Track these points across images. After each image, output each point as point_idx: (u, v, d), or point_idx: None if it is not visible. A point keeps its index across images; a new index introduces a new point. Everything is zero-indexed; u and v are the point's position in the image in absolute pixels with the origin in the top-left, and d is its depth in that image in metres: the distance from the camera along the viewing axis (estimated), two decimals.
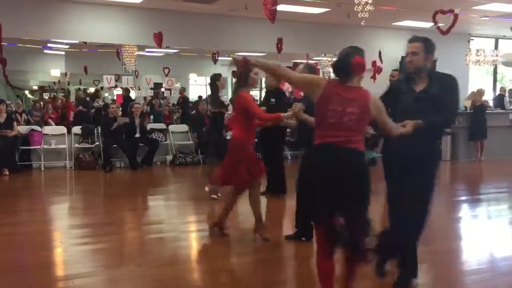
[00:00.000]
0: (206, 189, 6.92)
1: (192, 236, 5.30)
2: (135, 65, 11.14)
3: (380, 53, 12.02)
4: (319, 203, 2.92)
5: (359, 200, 2.96)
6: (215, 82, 6.98)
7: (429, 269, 4.24)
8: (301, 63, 14.78)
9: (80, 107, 12.36)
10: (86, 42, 10.74)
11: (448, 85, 3.56)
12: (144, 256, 4.49)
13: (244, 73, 4.63)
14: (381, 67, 12.11)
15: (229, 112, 7.89)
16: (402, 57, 12.42)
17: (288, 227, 5.18)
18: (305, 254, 4.48)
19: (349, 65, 2.98)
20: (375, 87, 12.24)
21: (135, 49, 10.82)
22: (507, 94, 13.26)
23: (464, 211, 6.87)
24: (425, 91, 3.46)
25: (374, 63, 12.11)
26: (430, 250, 4.68)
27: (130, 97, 11.97)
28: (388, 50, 12.23)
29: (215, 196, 6.67)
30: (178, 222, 5.91)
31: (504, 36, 13.79)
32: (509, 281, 3.95)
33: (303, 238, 4.67)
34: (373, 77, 12.02)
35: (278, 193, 6.75)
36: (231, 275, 4.16)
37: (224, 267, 4.28)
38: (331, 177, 2.88)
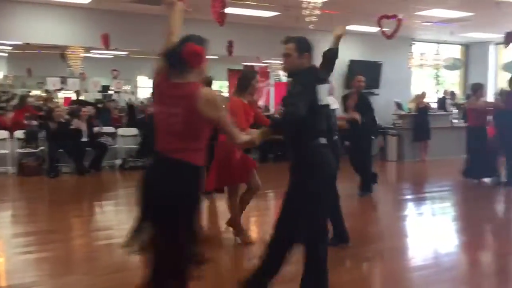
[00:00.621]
0: None
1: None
2: (81, 67, 10.83)
3: None
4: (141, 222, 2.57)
5: (173, 226, 2.47)
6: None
7: (376, 266, 4.35)
8: (253, 66, 14.92)
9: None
10: (29, 43, 10.34)
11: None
12: (91, 263, 4.37)
13: (245, 80, 4.63)
14: None
15: None
16: (351, 61, 12.80)
17: None
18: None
19: (179, 54, 2.47)
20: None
21: (81, 50, 10.51)
22: (448, 97, 13.84)
23: (410, 209, 7.10)
24: None
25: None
26: (378, 248, 4.82)
27: (80, 100, 11.56)
28: None
29: None
30: (128, 228, 5.76)
31: (445, 41, 14.40)
32: (453, 276, 4.11)
33: None
34: None
35: None
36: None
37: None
38: (147, 191, 2.53)
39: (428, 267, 4.30)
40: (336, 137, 4.80)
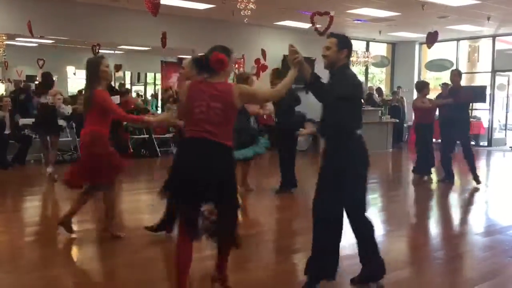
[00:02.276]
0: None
1: (68, 239, 5.01)
2: (4, 55, 10.23)
3: (263, 51, 12.39)
4: (185, 194, 3.05)
5: (225, 191, 3.11)
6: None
7: (304, 258, 4.47)
8: (185, 58, 14.74)
9: None
10: None
11: None
12: (15, 261, 4.17)
13: (92, 68, 4.47)
14: (265, 65, 12.49)
15: None
16: (284, 56, 12.97)
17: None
18: None
19: (207, 61, 3.14)
20: (259, 84, 12.71)
21: (4, 38, 9.92)
22: (375, 93, 14.42)
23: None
24: None
25: (257, 61, 12.46)
26: (303, 240, 4.95)
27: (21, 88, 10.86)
28: (271, 49, 12.64)
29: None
30: (54, 224, 5.55)
31: (374, 39, 14.99)
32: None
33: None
34: (257, 75, 12.36)
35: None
36: (106, 277, 4.02)
37: (101, 269, 4.13)
38: (194, 170, 3.05)
39: (352, 257, 4.46)
40: None
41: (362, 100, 3.64)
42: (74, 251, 4.61)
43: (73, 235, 4.75)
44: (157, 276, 3.87)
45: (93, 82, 4.45)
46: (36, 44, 13.03)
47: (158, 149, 10.94)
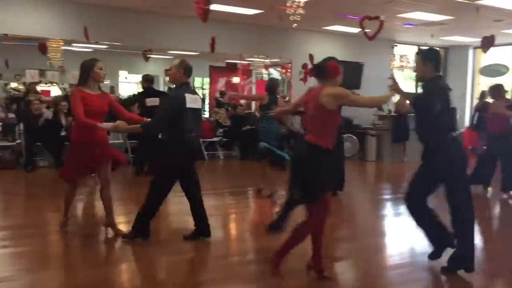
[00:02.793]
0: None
1: (116, 239, 5.14)
2: (61, 60, 10.65)
3: (311, 56, 12.33)
4: (325, 184, 3.70)
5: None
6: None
7: (354, 265, 4.40)
8: (235, 63, 14.87)
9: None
10: (7, 34, 10.13)
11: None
12: (67, 259, 4.32)
13: (84, 69, 4.59)
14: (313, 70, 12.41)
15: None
16: None
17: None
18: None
19: (323, 67, 3.69)
20: (305, 87, 12.70)
21: (61, 43, 10.34)
22: None
23: (388, 209, 7.19)
24: None
25: (305, 65, 12.41)
26: (354, 247, 4.87)
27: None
28: (319, 53, 12.55)
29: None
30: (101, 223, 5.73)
31: (426, 43, 14.59)
32: (428, 276, 4.18)
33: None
34: (304, 80, 12.31)
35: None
36: (150, 278, 4.09)
37: (144, 267, 4.21)
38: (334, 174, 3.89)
39: (404, 266, 4.36)
40: None
41: (451, 105, 3.98)
42: (121, 251, 4.71)
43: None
44: (203, 277, 3.91)
45: (81, 82, 4.58)
46: (91, 50, 13.51)
47: (205, 152, 11.08)
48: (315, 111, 3.60)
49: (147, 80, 8.89)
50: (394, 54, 13.51)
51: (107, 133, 4.88)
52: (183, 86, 4.55)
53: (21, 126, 9.27)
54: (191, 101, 4.47)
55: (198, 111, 4.65)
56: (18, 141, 9.21)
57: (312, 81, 12.65)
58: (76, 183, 4.87)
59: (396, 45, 14.04)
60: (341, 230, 5.51)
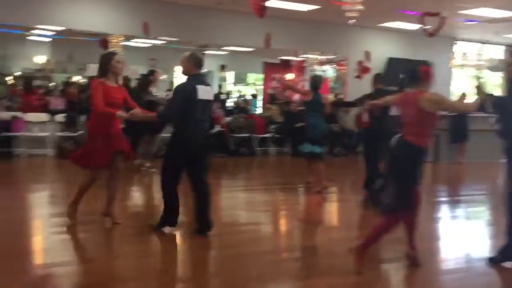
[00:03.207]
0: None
1: (171, 230, 5.28)
2: (121, 55, 11.01)
3: (367, 53, 12.10)
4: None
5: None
6: (148, 77, 8.06)
7: (408, 268, 4.30)
8: (289, 60, 14.82)
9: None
10: (71, 29, 10.59)
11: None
12: (125, 246, 4.47)
13: (103, 62, 4.72)
14: (368, 67, 12.19)
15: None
16: (389, 59, 12.58)
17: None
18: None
19: (416, 72, 3.83)
20: (360, 85, 12.48)
21: (121, 38, 10.70)
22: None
23: (444, 211, 6.97)
24: None
25: (360, 62, 12.20)
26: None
27: (129, 86, 11.52)
28: (375, 50, 12.32)
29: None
30: (160, 214, 5.90)
31: (489, 41, 13.97)
32: (484, 282, 4.02)
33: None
34: (359, 77, 12.10)
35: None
36: (199, 269, 4.16)
37: (198, 259, 4.29)
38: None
39: (459, 271, 4.22)
40: None
41: None
42: (172, 243, 4.82)
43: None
44: (251, 272, 3.94)
45: (101, 73, 4.71)
46: (150, 45, 13.88)
47: (257, 148, 11.15)
48: (414, 114, 3.79)
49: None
50: (454, 52, 13.02)
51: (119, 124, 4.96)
52: (194, 77, 4.63)
53: (83, 117, 9.68)
54: (203, 93, 4.56)
55: (209, 103, 4.73)
56: (80, 132, 9.62)
57: (368, 78, 12.43)
58: (97, 174, 4.89)
59: (456, 43, 13.53)
60: (395, 232, 5.37)
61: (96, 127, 4.71)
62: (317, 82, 7.24)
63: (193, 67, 4.67)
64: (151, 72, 8.40)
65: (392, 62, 12.54)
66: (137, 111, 4.74)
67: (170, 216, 4.76)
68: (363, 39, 12.42)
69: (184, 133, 4.55)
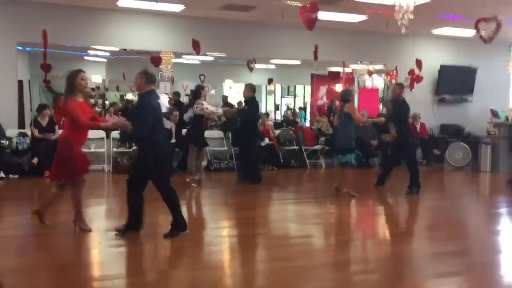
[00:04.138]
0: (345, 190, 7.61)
1: (224, 242, 5.32)
2: (171, 71, 11.32)
3: (418, 61, 11.83)
4: None
5: None
6: (199, 91, 8.36)
7: (467, 281, 4.13)
8: (338, 71, 14.73)
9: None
10: (125, 49, 11.01)
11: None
12: (179, 259, 4.55)
13: (69, 80, 5.01)
14: (420, 76, 11.91)
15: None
16: (442, 66, 12.24)
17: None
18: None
19: None
20: (411, 94, 12.20)
21: (172, 56, 11.00)
22: None
23: (504, 223, 6.65)
24: None
25: (411, 71, 11.93)
26: (467, 262, 4.57)
27: (180, 102, 11.79)
28: (427, 58, 12.02)
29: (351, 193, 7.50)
30: (213, 227, 5.97)
31: None
32: None
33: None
34: (411, 86, 11.83)
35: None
36: (261, 280, 4.15)
37: (252, 272, 4.29)
38: None
39: None
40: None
41: None
42: (224, 256, 4.87)
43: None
44: (307, 285, 3.90)
45: (69, 92, 5.04)
46: (199, 61, 14.19)
47: (307, 160, 11.09)
48: None
49: (252, 90, 9.02)
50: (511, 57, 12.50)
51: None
52: (151, 93, 5.01)
53: None
54: (160, 107, 5.05)
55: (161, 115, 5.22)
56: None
57: (419, 87, 12.12)
58: (66, 185, 5.25)
59: None
60: (452, 245, 5.18)
61: (73, 140, 5.05)
62: (347, 95, 7.81)
63: (145, 83, 5.01)
64: (201, 88, 8.59)
65: (445, 70, 12.21)
66: (122, 120, 5.30)
67: (135, 222, 5.08)
68: (413, 47, 12.15)
69: (155, 145, 4.90)
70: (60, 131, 9.52)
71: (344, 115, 7.49)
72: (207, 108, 8.27)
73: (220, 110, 8.68)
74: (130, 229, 5.06)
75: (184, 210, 7.11)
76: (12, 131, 9.22)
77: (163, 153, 5.09)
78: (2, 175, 8.60)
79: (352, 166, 7.53)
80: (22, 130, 9.38)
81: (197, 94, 8.49)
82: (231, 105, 12.06)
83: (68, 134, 5.11)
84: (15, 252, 4.63)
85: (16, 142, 9.04)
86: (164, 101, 5.09)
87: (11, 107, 9.50)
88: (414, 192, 7.82)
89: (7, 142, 8.99)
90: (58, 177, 5.22)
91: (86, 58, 14.19)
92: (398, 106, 8.16)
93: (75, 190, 5.25)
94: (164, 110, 5.08)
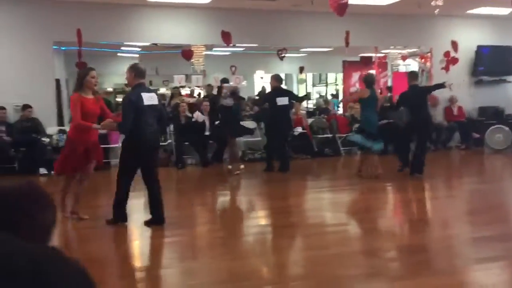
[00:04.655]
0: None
1: (260, 232, 5.36)
2: (203, 64, 11.39)
3: (454, 43, 11.51)
4: None
5: None
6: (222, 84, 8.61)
7: (509, 266, 4.03)
8: (370, 57, 14.51)
9: None
10: (157, 44, 11.14)
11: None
12: (217, 249, 4.61)
13: (80, 76, 5.22)
14: (456, 58, 11.59)
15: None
16: (478, 47, 11.87)
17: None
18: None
19: None
20: (446, 76, 11.88)
21: (203, 48, 11.06)
22: None
23: None
24: None
25: (447, 54, 11.63)
26: (509, 247, 4.45)
27: (213, 94, 11.84)
28: (463, 40, 11.68)
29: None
30: (248, 217, 6.02)
31: None
32: None
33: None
34: (446, 68, 11.54)
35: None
36: (298, 269, 4.17)
37: (289, 261, 4.31)
38: None
39: None
40: None
41: None
42: (262, 245, 4.90)
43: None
44: (345, 272, 3.89)
45: (77, 88, 5.26)
46: (229, 53, 14.23)
47: (341, 148, 11.00)
48: None
49: (277, 80, 9.07)
50: None
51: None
52: (138, 87, 5.08)
53: (172, 127, 10.12)
54: (147, 99, 5.03)
55: (155, 107, 5.14)
56: (169, 141, 10.07)
57: (454, 70, 11.80)
58: (72, 177, 5.48)
59: None
60: (493, 229, 5.06)
61: (74, 135, 5.28)
62: (371, 79, 8.05)
63: (134, 77, 5.12)
64: (225, 80, 8.82)
65: (482, 50, 11.84)
66: (108, 121, 5.23)
67: (122, 213, 5.23)
68: (448, 29, 11.82)
69: (136, 137, 4.99)
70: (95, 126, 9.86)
71: (372, 100, 7.73)
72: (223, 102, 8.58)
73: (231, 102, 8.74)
74: (120, 220, 5.25)
75: (220, 200, 7.23)
76: (52, 129, 9.50)
77: (147, 146, 5.10)
78: (45, 171, 8.88)
79: (374, 152, 7.87)
80: (61, 127, 9.67)
81: (220, 88, 8.88)
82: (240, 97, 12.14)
83: (70, 133, 5.46)
84: (61, 245, 4.80)
85: (56, 139, 9.32)
86: (154, 95, 5.12)
87: (50, 105, 9.78)
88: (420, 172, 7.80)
89: (48, 140, 9.27)
90: (59, 170, 5.55)
91: (119, 54, 14.47)
92: (416, 92, 7.86)
93: (78, 183, 5.55)
94: (155, 102, 5.11)
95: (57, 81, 10.50)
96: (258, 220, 5.90)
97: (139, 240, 5.05)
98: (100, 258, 4.36)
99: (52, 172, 9.04)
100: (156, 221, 5.17)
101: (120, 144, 5.85)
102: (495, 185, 7.76)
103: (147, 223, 5.20)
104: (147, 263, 4.32)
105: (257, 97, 9.10)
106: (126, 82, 5.79)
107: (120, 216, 5.23)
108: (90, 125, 5.26)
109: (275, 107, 8.60)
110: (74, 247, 4.78)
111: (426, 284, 3.57)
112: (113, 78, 16.31)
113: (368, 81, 7.94)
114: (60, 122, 10.22)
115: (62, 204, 5.51)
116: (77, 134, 5.27)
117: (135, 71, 5.14)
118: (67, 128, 9.57)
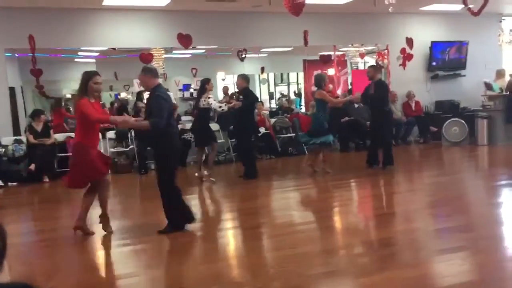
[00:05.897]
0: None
1: (227, 235, 5.34)
2: (163, 67, 11.26)
3: (408, 39, 11.81)
4: None
5: None
6: (204, 85, 8.14)
7: (471, 255, 4.16)
8: (329, 55, 14.72)
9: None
10: (115, 48, 10.93)
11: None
12: (184, 254, 4.56)
13: (83, 81, 5.05)
14: (411, 54, 11.90)
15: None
16: (432, 43, 12.22)
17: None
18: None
19: None
20: (404, 73, 12.20)
21: (162, 52, 10.94)
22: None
23: (505, 196, 6.68)
24: None
25: (403, 50, 11.92)
26: (471, 237, 4.59)
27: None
28: (417, 36, 12.00)
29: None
30: (216, 220, 5.97)
31: None
32: None
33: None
34: (403, 65, 11.83)
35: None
36: (267, 270, 4.17)
37: (257, 262, 4.31)
38: None
39: None
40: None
41: None
42: (229, 248, 4.88)
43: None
44: (312, 270, 3.92)
45: (81, 92, 5.08)
46: (190, 55, 14.12)
47: (305, 147, 11.09)
48: None
49: (245, 79, 8.93)
50: (502, 29, 12.48)
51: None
52: (159, 87, 5.04)
53: (133, 132, 9.95)
54: (170, 99, 5.12)
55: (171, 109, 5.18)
56: (131, 146, 9.90)
57: (411, 66, 12.11)
58: (94, 193, 5.27)
59: (504, 19, 12.96)
60: (454, 220, 5.22)
61: (83, 141, 5.05)
62: (320, 80, 8.15)
63: (153, 78, 5.02)
64: (207, 81, 8.34)
65: (436, 46, 12.20)
66: (129, 117, 5.26)
67: (183, 218, 5.13)
68: (403, 26, 12.13)
69: (172, 137, 5.02)
70: (56, 136, 9.59)
71: (317, 101, 8.11)
72: (212, 105, 8.17)
73: (226, 108, 8.43)
74: (186, 223, 5.16)
75: (193, 206, 7.15)
76: (7, 139, 9.19)
77: (177, 147, 5.17)
78: (1, 183, 8.58)
79: (330, 145, 8.48)
80: (18, 137, 9.35)
81: (202, 88, 8.25)
82: (232, 96, 11.97)
83: (80, 138, 5.09)
84: (23, 260, 4.63)
85: (12, 150, 9.02)
86: (171, 95, 5.13)
87: (4, 114, 9.46)
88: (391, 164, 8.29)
89: (3, 150, 8.96)
90: (73, 185, 5.21)
91: (76, 60, 14.11)
92: (376, 88, 8.18)
93: (100, 193, 5.28)
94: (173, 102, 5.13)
95: (12, 89, 10.15)
96: (226, 222, 5.87)
97: (103, 249, 4.93)
98: (65, 270, 4.24)
99: (9, 183, 8.78)
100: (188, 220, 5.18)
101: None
102: (454, 177, 8.00)
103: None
104: (113, 272, 4.22)
105: (240, 97, 8.71)
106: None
107: (188, 218, 5.17)
108: (108, 118, 5.25)
109: (246, 108, 8.49)
110: (35, 261, 4.62)
111: (393, 278, 3.63)
112: (71, 84, 15.90)
113: (316, 82, 8.20)
114: (16, 131, 9.87)
115: (83, 224, 5.22)
116: (86, 138, 5.06)
117: (152, 72, 5.08)
118: (23, 137, 9.28)
